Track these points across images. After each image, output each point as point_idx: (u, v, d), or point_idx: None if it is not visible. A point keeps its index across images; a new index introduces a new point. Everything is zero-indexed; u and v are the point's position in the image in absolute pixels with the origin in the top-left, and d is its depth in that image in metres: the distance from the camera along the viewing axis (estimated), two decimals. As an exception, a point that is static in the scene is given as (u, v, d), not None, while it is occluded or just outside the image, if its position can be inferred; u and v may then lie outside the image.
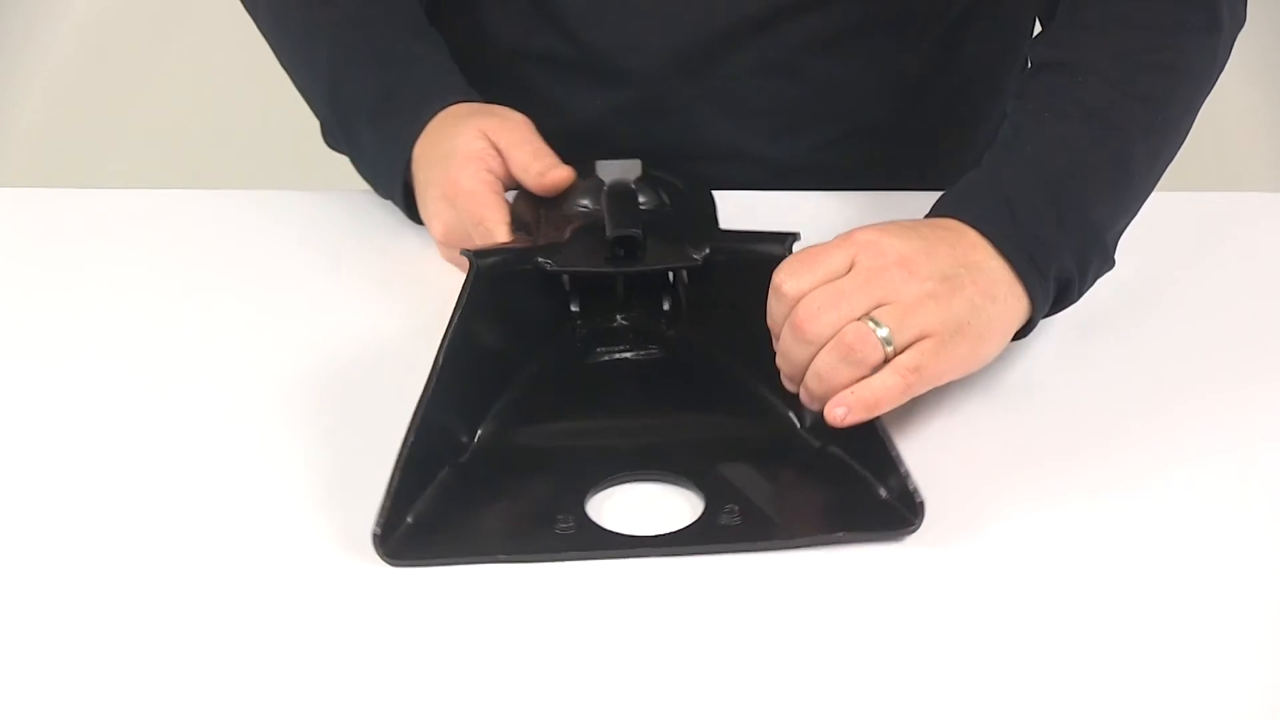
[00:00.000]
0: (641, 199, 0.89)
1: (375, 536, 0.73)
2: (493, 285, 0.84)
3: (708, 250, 0.86)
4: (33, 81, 2.08)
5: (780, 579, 0.73)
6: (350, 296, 0.95)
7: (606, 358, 0.86)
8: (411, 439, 0.76)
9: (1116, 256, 0.89)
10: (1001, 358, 0.87)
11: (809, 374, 0.78)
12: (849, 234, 0.80)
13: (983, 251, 0.82)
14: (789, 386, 0.81)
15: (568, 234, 0.88)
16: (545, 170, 0.93)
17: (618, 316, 0.87)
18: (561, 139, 0.95)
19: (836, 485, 0.78)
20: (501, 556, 0.74)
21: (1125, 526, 0.77)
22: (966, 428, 0.82)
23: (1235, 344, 0.91)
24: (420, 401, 0.77)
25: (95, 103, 2.11)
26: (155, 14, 2.09)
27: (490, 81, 1.01)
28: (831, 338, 0.77)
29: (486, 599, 0.72)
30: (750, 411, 0.83)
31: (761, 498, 0.77)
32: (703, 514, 0.76)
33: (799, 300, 0.78)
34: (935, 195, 0.87)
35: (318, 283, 0.97)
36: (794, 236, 0.86)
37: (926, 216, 0.86)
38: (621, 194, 0.89)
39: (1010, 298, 0.82)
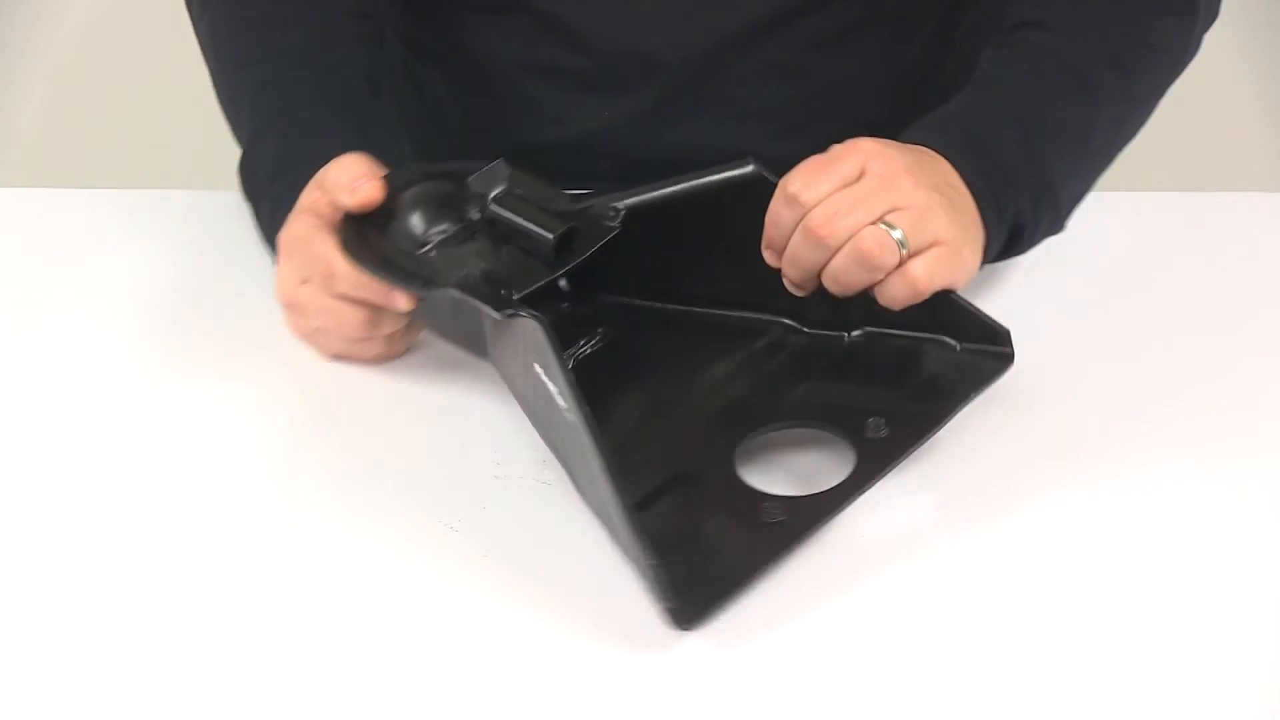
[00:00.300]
0: (519, 192, 0.83)
1: (674, 612, 0.69)
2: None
3: (622, 211, 0.82)
4: (33, 81, 2.08)
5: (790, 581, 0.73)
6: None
7: (590, 350, 0.85)
8: (626, 512, 0.70)
9: (1115, 257, 0.89)
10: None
11: (825, 277, 0.79)
12: (853, 143, 0.81)
13: (959, 182, 0.84)
14: (797, 292, 0.82)
15: (480, 264, 0.80)
16: (356, 184, 0.82)
17: (565, 306, 0.86)
18: (566, 151, 0.95)
19: (913, 358, 0.82)
20: (769, 561, 0.72)
21: (1125, 526, 0.77)
22: (966, 430, 0.82)
23: (1235, 344, 0.91)
24: (604, 472, 0.70)
25: (95, 103, 2.11)
26: (155, 14, 2.08)
27: (489, 97, 1.00)
28: (848, 241, 0.78)
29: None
30: (761, 335, 0.84)
31: (873, 400, 0.78)
32: (850, 440, 0.76)
33: (815, 206, 0.78)
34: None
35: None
36: (747, 162, 0.84)
37: (904, 138, 0.87)
38: (526, 199, 0.82)
39: (976, 228, 0.84)
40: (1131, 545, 0.76)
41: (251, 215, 0.93)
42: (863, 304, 0.80)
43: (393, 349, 0.87)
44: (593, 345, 0.85)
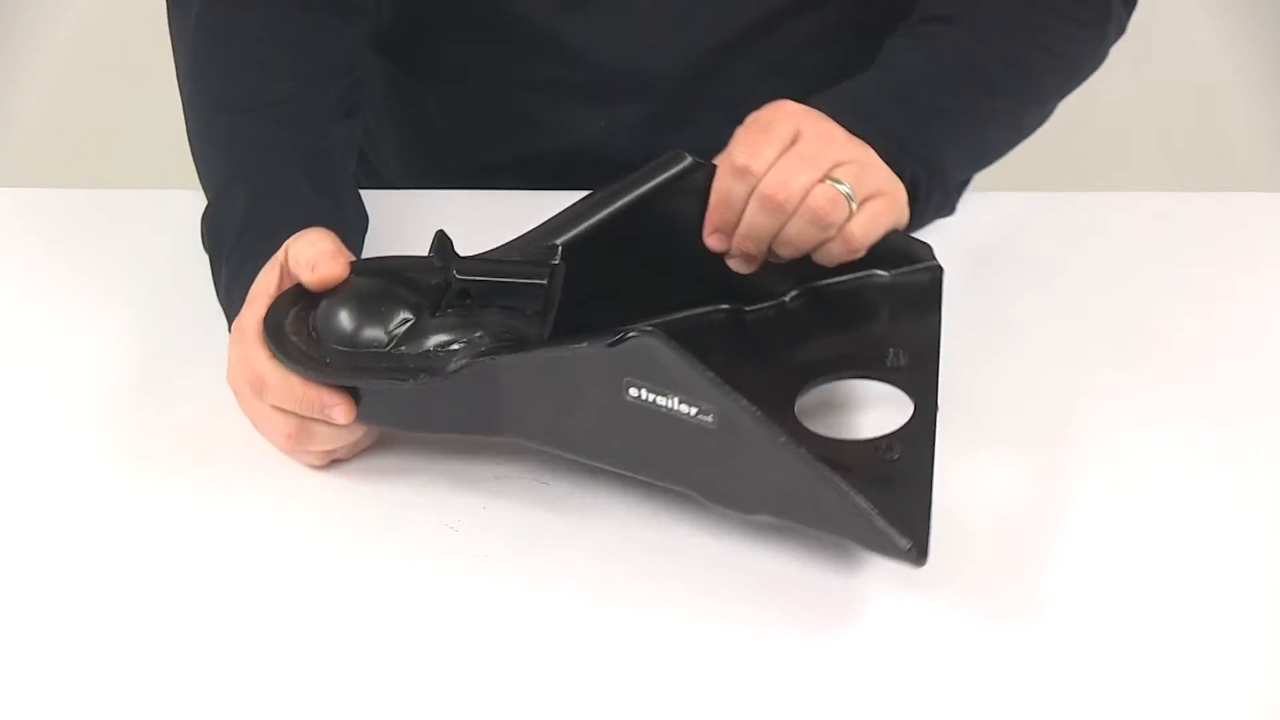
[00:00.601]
0: (469, 258, 0.79)
1: (912, 551, 0.69)
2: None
3: (559, 248, 0.80)
4: (33, 81, 2.08)
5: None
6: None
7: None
8: (836, 477, 0.70)
9: (1115, 257, 0.89)
10: (1000, 360, 0.87)
11: (778, 243, 0.81)
12: (779, 105, 0.84)
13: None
14: (744, 269, 0.83)
15: (470, 333, 0.77)
16: (318, 259, 0.78)
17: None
18: (565, 162, 0.94)
19: (858, 299, 0.85)
20: (929, 487, 0.73)
21: (1124, 526, 0.77)
22: (965, 428, 0.82)
23: (1235, 344, 0.91)
24: (789, 447, 0.70)
25: (95, 103, 2.11)
26: (155, 13, 2.09)
27: (483, 113, 0.99)
28: (802, 202, 0.79)
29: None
30: (711, 326, 0.84)
31: (875, 334, 0.80)
32: (883, 378, 0.78)
33: (765, 173, 0.80)
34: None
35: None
36: (680, 155, 0.83)
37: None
38: (484, 259, 0.80)
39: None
40: (1130, 545, 0.76)
41: (210, 272, 0.89)
42: (788, 268, 0.83)
43: (328, 459, 0.80)
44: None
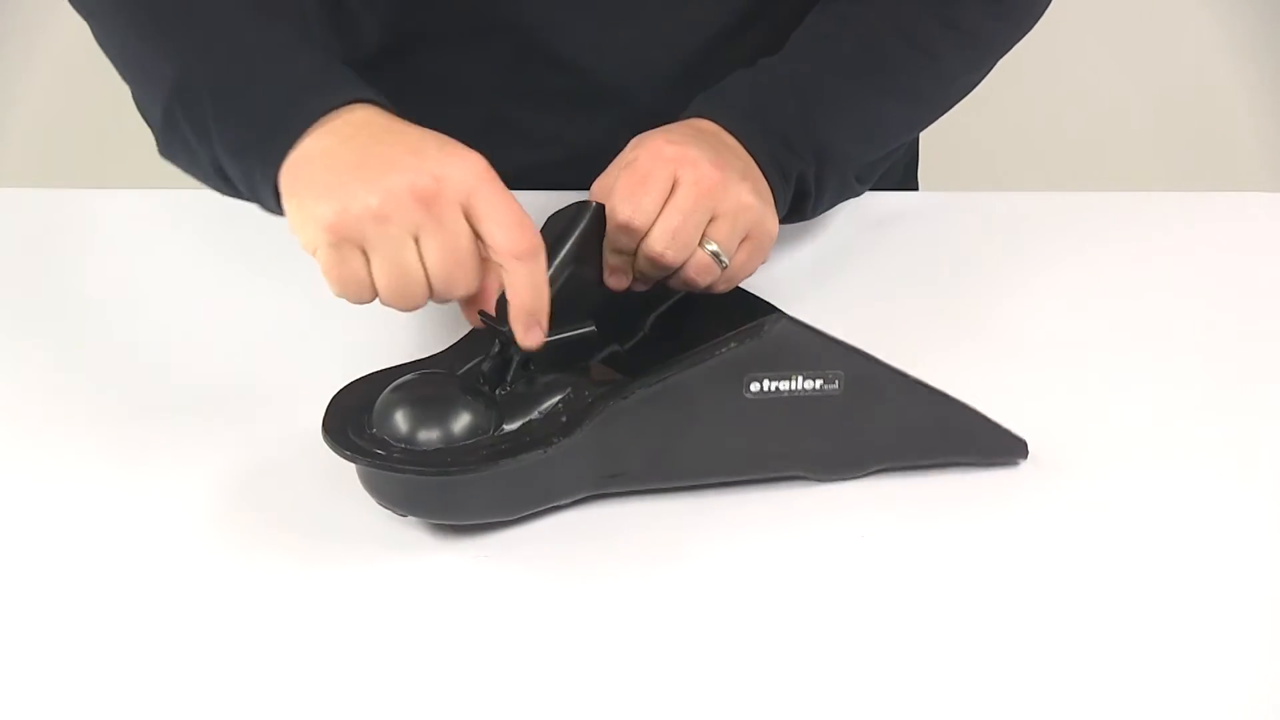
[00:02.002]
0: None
1: (1022, 442, 0.79)
2: None
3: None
4: (33, 81, 2.08)
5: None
6: (350, 296, 0.95)
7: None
8: (944, 396, 0.79)
9: (1116, 257, 0.89)
10: (999, 360, 0.87)
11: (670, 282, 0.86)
12: (651, 148, 0.85)
13: (745, 153, 0.89)
14: (642, 285, 0.86)
15: (552, 395, 0.77)
16: (534, 323, 0.76)
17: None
18: (557, 170, 0.94)
19: (695, 303, 0.88)
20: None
21: (1122, 525, 0.77)
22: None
23: (1235, 343, 0.92)
24: (905, 376, 0.78)
25: (95, 103, 2.11)
26: (155, 14, 2.08)
27: (473, 127, 0.98)
28: (685, 261, 0.83)
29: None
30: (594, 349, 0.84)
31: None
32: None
33: (649, 230, 0.83)
34: (921, 195, 0.88)
35: (318, 283, 0.97)
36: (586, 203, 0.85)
37: (688, 113, 0.92)
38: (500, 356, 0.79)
39: (769, 195, 0.89)
40: (1130, 545, 0.76)
41: (187, 108, 0.84)
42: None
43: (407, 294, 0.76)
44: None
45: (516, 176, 0.83)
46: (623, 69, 1.04)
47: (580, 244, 0.82)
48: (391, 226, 0.74)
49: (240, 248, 1.01)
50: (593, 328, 0.81)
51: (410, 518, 0.76)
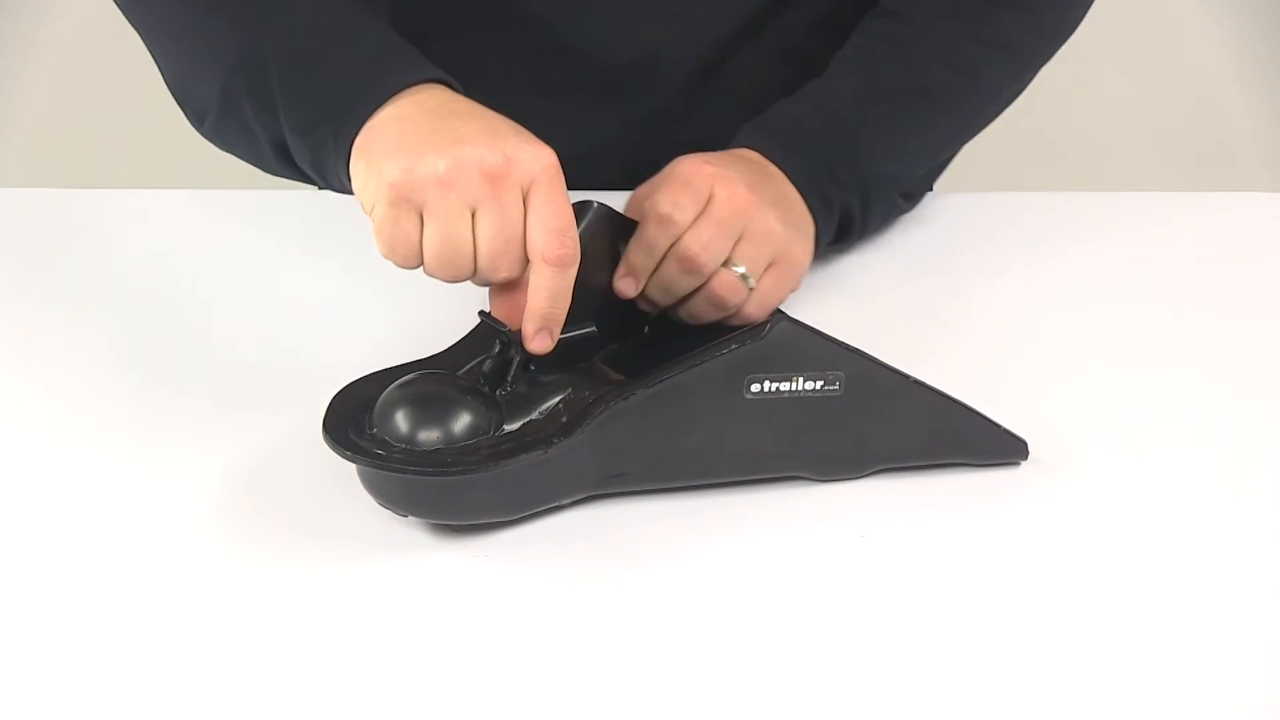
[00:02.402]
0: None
1: (1023, 442, 0.79)
2: None
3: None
4: (33, 81, 2.08)
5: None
6: (350, 296, 0.95)
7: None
8: (945, 396, 0.79)
9: (1116, 257, 0.89)
10: (999, 360, 0.87)
11: (682, 310, 0.85)
12: (693, 164, 0.86)
13: (786, 183, 0.91)
14: (649, 308, 0.85)
15: (554, 394, 0.77)
16: (545, 330, 0.76)
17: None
18: (571, 164, 0.93)
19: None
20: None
21: (1125, 525, 0.77)
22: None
23: (1234, 343, 0.91)
24: (909, 377, 0.78)
25: (95, 103, 2.11)
26: (155, 14, 2.09)
27: None
28: (710, 279, 0.83)
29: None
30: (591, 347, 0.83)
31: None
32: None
33: (686, 230, 0.83)
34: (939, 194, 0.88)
35: (318, 283, 0.97)
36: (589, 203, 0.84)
37: (734, 143, 0.94)
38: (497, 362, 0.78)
39: (807, 225, 0.91)
40: (1129, 545, 0.76)
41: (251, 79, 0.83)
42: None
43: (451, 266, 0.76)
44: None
45: None
46: (636, 63, 1.04)
47: (581, 244, 0.82)
48: (453, 195, 0.75)
49: (240, 248, 1.01)
50: (594, 328, 0.81)
51: (410, 518, 0.76)
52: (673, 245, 0.83)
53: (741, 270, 0.84)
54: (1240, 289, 0.97)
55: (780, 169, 0.92)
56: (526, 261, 0.76)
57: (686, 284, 0.84)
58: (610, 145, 1.06)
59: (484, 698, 0.67)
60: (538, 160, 0.76)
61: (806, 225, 0.91)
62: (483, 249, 0.76)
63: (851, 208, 0.95)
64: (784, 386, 0.76)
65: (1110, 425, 0.84)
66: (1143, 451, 0.82)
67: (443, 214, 0.75)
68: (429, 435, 0.74)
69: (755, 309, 0.85)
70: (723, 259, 0.84)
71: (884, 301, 0.96)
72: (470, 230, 0.76)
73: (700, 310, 0.85)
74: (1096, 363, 0.90)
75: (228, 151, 0.91)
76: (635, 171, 0.90)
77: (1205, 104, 2.08)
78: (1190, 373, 0.89)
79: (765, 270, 0.86)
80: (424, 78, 0.81)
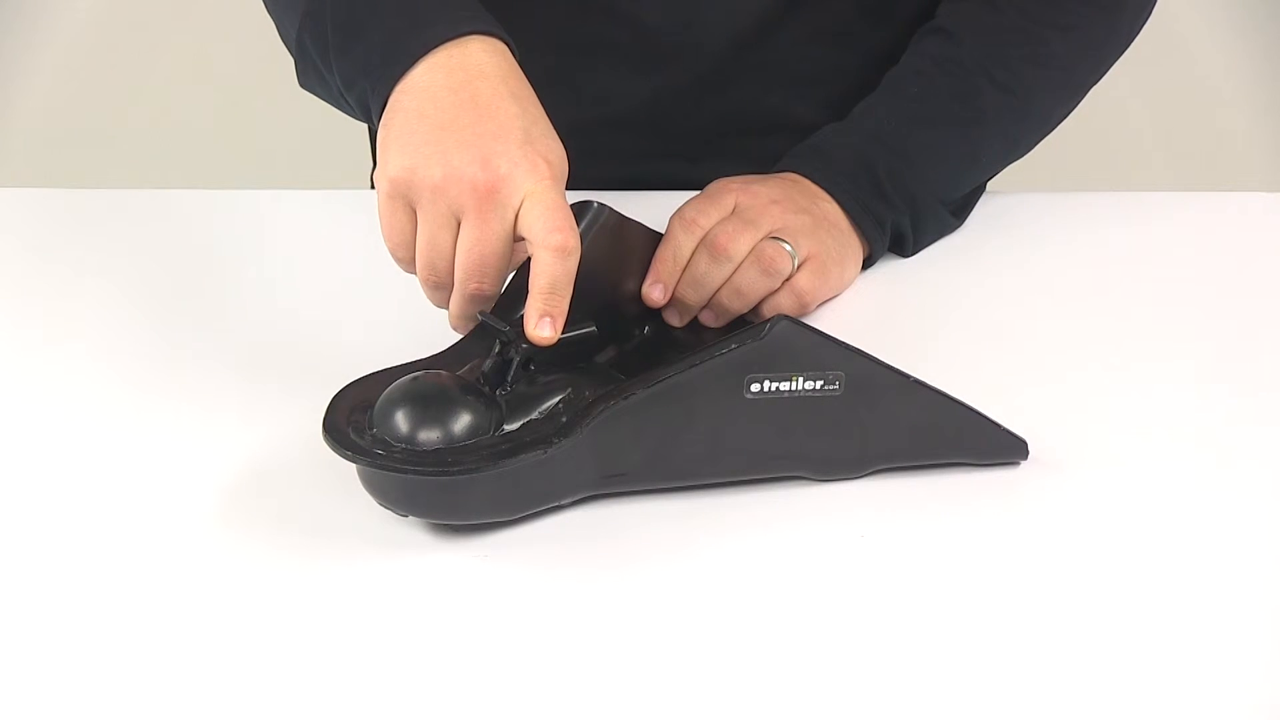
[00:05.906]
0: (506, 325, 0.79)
1: (1023, 442, 0.79)
2: None
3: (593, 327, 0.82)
4: (33, 81, 2.08)
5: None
6: (351, 296, 0.95)
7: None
8: (948, 397, 0.79)
9: (1115, 257, 0.89)
10: (999, 359, 0.87)
11: (726, 292, 0.87)
12: (722, 183, 0.91)
13: (826, 200, 0.94)
14: (680, 320, 0.87)
15: (552, 395, 0.77)
16: (545, 322, 0.76)
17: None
18: (610, 129, 0.94)
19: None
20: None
21: (1125, 525, 0.77)
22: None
23: (1234, 343, 0.91)
24: (911, 378, 0.77)
25: (95, 103, 2.11)
26: (156, 14, 2.09)
27: (528, 78, 0.98)
28: (748, 255, 0.86)
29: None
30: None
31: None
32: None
33: (711, 228, 0.87)
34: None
35: (318, 283, 0.97)
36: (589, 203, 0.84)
37: (778, 168, 0.96)
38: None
39: (845, 236, 0.94)
40: (1128, 545, 0.76)
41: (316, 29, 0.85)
42: (614, 316, 0.85)
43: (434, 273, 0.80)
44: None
45: (563, 134, 0.83)
46: (683, 28, 1.04)
47: (581, 242, 0.82)
48: (442, 203, 0.77)
49: (240, 247, 1.01)
50: (593, 328, 0.81)
51: (410, 518, 0.76)
52: (699, 242, 0.86)
53: (788, 248, 0.87)
54: (1240, 289, 0.97)
55: (827, 192, 0.94)
56: (501, 281, 0.79)
57: (716, 274, 0.86)
58: (643, 115, 1.06)
59: (484, 697, 0.67)
60: (531, 176, 0.77)
61: (846, 242, 0.93)
62: (459, 258, 0.78)
63: (903, 226, 0.97)
64: (784, 386, 0.76)
65: (1110, 425, 0.84)
66: (1143, 451, 0.82)
67: (431, 218, 0.78)
68: (429, 435, 0.74)
69: (807, 285, 0.88)
70: (750, 247, 0.86)
71: (884, 302, 0.96)
72: (453, 239, 0.78)
73: (748, 281, 0.86)
74: (1096, 363, 0.90)
75: (320, 98, 0.93)
76: (672, 140, 0.91)
77: (1205, 104, 2.09)
78: (1190, 372, 0.89)
79: (806, 259, 0.88)
80: (461, 32, 0.81)
